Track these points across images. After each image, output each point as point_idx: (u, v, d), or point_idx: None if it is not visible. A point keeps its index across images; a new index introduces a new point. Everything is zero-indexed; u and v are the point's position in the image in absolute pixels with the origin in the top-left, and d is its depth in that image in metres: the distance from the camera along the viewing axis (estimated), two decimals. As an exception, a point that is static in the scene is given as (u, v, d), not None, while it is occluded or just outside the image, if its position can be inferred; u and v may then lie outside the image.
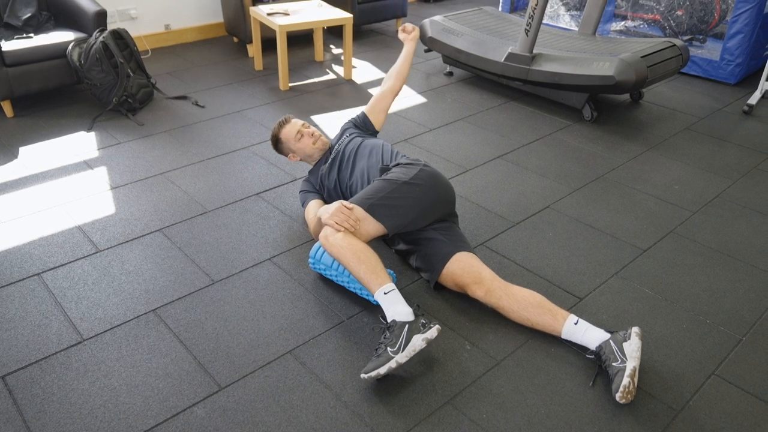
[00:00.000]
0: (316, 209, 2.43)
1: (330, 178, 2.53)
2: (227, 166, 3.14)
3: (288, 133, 2.62)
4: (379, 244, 2.49)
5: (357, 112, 3.78)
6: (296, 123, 2.65)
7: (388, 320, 1.92)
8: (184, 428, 1.72)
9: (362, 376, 1.81)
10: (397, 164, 2.34)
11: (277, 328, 2.09)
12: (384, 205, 2.16)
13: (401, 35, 2.84)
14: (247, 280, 2.32)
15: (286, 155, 2.70)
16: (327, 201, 2.57)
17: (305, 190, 2.63)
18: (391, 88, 2.78)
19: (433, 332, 1.85)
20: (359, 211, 2.13)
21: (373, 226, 2.14)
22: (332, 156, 2.57)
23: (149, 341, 2.02)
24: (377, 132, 2.76)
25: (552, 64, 3.63)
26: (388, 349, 1.83)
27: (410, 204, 2.20)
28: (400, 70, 2.80)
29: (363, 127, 2.73)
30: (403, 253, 2.42)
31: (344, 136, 2.63)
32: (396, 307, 1.93)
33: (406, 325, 1.86)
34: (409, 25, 2.85)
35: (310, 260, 2.32)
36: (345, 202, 2.12)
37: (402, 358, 1.80)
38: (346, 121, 2.77)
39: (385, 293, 1.96)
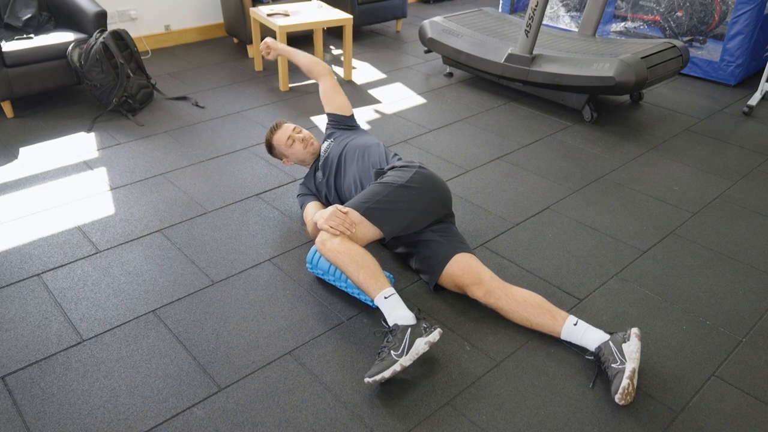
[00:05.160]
0: (314, 212, 2.43)
1: (327, 185, 2.53)
2: (227, 166, 3.14)
3: (279, 138, 2.62)
4: (376, 245, 2.49)
5: (356, 112, 3.78)
6: (287, 128, 2.63)
7: (390, 324, 1.91)
8: (183, 429, 1.72)
9: (366, 380, 1.80)
10: (393, 167, 2.31)
11: (276, 328, 2.09)
12: (380, 209, 2.14)
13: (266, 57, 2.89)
14: (247, 280, 2.32)
15: (281, 159, 2.71)
16: (325, 205, 2.57)
17: (302, 193, 2.64)
18: (321, 84, 2.76)
19: (435, 335, 1.85)
20: (355, 215, 2.10)
21: (370, 230, 2.12)
22: (321, 162, 2.57)
23: (149, 342, 2.02)
24: (351, 115, 2.72)
25: (552, 65, 3.63)
26: (392, 352, 1.82)
27: (406, 207, 2.18)
28: (309, 70, 2.80)
29: (337, 122, 2.70)
30: (402, 255, 2.41)
31: (329, 140, 2.63)
32: (397, 311, 1.92)
33: (409, 329, 1.86)
34: (263, 46, 2.86)
35: (307, 265, 2.32)
36: (340, 206, 2.11)
37: (406, 361, 1.80)
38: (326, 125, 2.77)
39: (385, 298, 1.95)
